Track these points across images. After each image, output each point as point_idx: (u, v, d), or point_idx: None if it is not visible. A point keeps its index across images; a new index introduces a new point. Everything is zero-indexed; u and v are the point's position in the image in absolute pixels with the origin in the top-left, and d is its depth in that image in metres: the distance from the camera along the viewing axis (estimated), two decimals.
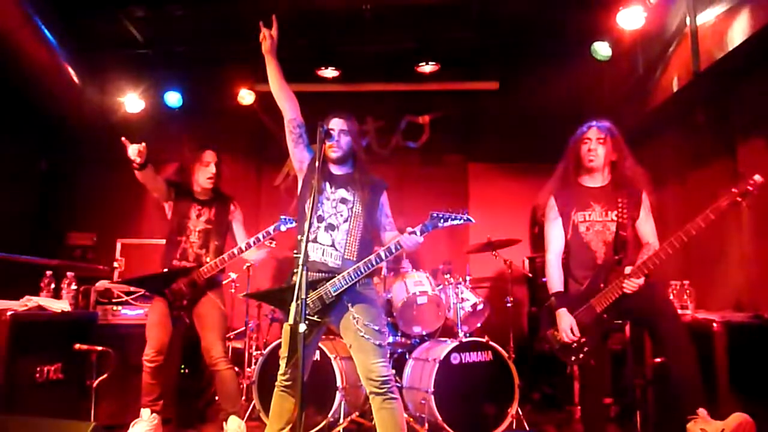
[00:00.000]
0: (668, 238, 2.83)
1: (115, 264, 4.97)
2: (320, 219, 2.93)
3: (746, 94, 3.82)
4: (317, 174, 2.66)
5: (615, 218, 3.06)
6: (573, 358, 3.06)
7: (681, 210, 4.32)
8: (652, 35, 4.36)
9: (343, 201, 2.97)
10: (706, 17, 3.79)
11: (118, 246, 5.23)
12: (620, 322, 3.25)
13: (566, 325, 3.00)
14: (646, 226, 3.10)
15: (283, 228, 3.52)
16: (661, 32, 4.29)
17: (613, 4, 4.30)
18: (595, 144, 3.14)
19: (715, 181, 3.97)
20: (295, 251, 2.84)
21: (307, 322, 2.72)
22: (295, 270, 2.75)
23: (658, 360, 3.39)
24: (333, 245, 2.91)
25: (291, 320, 2.34)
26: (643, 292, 2.90)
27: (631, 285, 2.88)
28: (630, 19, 4.26)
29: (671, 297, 3.64)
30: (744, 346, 3.03)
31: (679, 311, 3.34)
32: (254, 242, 3.63)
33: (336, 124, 3.00)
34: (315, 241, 2.90)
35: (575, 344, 3.01)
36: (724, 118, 4.04)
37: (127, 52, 5.39)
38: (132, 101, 5.59)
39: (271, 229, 3.68)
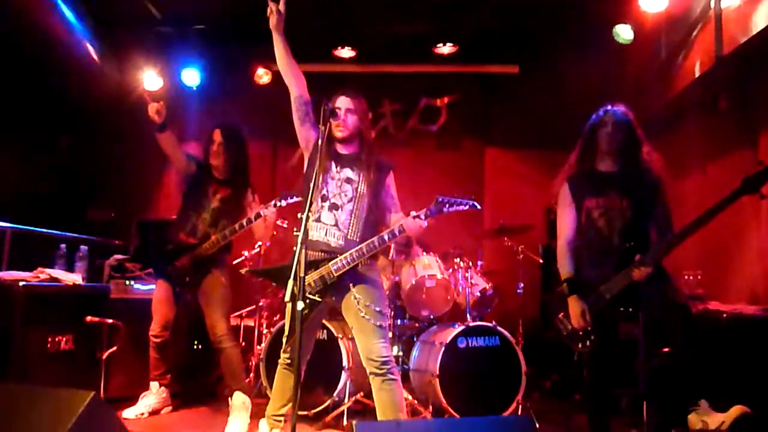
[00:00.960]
0: (680, 228, 2.76)
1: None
2: (324, 198, 2.91)
3: None
4: (320, 153, 2.65)
5: (629, 205, 2.98)
6: (580, 345, 3.02)
7: (700, 198, 4.21)
8: (675, 18, 4.23)
9: (348, 181, 2.95)
10: (731, 0, 3.65)
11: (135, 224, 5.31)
12: (630, 310, 3.19)
13: (578, 311, 2.96)
14: (661, 214, 3.02)
15: (283, 203, 3.49)
16: (685, 15, 4.16)
17: None
18: (612, 128, 3.06)
19: (736, 170, 3.85)
20: (295, 230, 2.84)
21: (307, 300, 2.74)
22: (296, 248, 2.75)
23: (666, 350, 3.34)
24: (336, 225, 2.90)
25: (287, 298, 2.35)
26: (653, 281, 2.84)
27: (640, 273, 2.82)
28: (653, 2, 4.13)
29: (681, 287, 3.56)
30: (754, 339, 2.96)
31: (690, 302, 3.27)
32: (255, 218, 3.57)
33: (342, 102, 2.97)
34: (318, 220, 2.90)
35: (582, 332, 2.97)
36: (746, 105, 3.92)
37: (145, 30, 5.42)
38: (150, 79, 5.62)
39: (272, 203, 3.54)
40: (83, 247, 4.00)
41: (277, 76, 5.79)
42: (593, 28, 4.84)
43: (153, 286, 4.15)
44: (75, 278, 3.66)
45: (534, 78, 5.78)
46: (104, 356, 3.54)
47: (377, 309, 2.84)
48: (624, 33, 4.56)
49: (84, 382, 3.52)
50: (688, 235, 2.74)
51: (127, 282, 4.24)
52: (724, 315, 3.05)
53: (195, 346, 4.53)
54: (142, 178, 6.27)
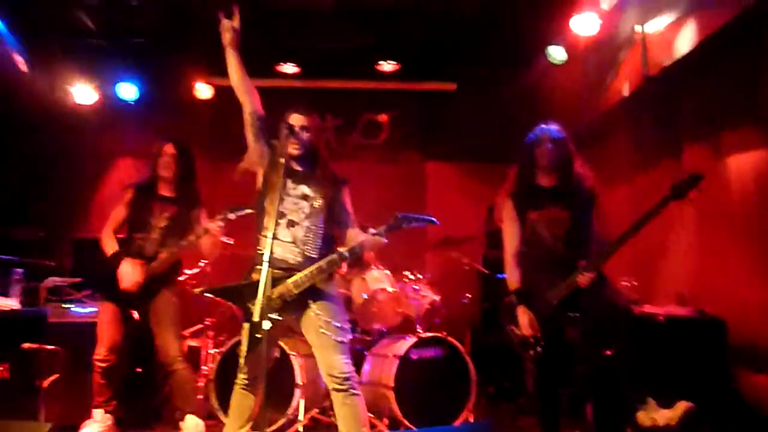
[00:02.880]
0: (618, 234, 2.97)
1: None
2: (281, 215, 2.90)
3: (692, 99, 4.01)
4: (281, 171, 2.66)
5: (569, 215, 3.17)
6: (531, 352, 3.15)
7: (630, 208, 4.49)
8: (605, 42, 4.52)
9: (304, 197, 2.96)
10: (655, 26, 3.97)
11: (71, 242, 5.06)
12: (577, 315, 3.37)
13: (527, 320, 3.10)
14: (596, 223, 3.23)
15: (231, 216, 3.42)
16: (613, 39, 4.46)
17: (568, 10, 4.43)
18: (550, 146, 3.25)
19: (662, 182, 4.14)
20: (258, 248, 2.81)
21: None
22: (257, 266, 2.73)
23: (608, 352, 3.54)
24: (294, 242, 2.89)
25: (256, 317, 2.34)
26: (596, 286, 3.03)
27: (585, 278, 3.00)
28: (584, 25, 4.39)
29: (620, 292, 3.79)
30: (689, 338, 3.20)
31: (629, 306, 3.48)
32: (203, 233, 3.47)
33: (296, 120, 2.97)
34: (275, 237, 2.87)
35: (533, 338, 3.11)
36: (671, 122, 4.24)
37: (79, 42, 5.22)
38: (84, 92, 5.42)
39: (219, 217, 3.39)
40: (18, 270, 3.79)
41: (218, 91, 5.78)
42: (527, 49, 5.09)
43: (93, 309, 3.98)
44: (11, 303, 3.47)
45: (471, 95, 6.00)
46: (45, 384, 3.35)
47: (337, 325, 2.86)
48: (557, 54, 4.82)
49: (21, 412, 3.35)
50: (626, 240, 2.95)
51: (65, 305, 4.04)
52: (661, 317, 3.28)
53: (135, 370, 4.35)
54: (73, 195, 5.99)
